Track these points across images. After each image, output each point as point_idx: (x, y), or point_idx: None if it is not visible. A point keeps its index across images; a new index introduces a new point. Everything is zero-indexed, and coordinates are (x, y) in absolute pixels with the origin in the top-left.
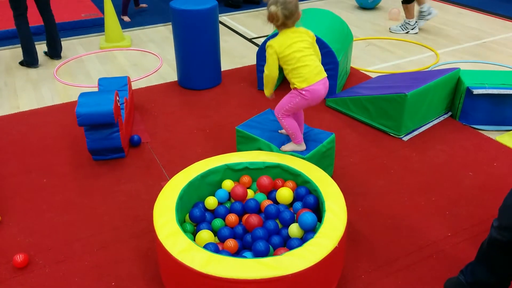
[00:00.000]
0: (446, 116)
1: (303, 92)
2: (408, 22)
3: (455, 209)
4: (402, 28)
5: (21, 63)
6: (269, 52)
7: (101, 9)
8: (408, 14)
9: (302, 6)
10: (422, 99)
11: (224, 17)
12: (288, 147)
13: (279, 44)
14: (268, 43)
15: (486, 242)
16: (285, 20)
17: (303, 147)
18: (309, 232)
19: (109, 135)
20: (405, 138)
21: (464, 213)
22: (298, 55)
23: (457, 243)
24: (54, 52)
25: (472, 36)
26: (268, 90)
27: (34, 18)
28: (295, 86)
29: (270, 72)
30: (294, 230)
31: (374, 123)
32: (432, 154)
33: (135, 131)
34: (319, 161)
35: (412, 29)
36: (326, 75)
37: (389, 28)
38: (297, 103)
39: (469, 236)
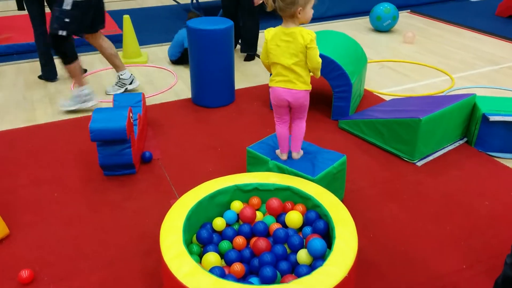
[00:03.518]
0: (461, 142)
1: (270, 91)
2: (120, 75)
3: (470, 239)
4: (119, 86)
5: (40, 77)
6: (264, 39)
7: (120, 26)
8: (77, 81)
9: (317, 28)
10: (436, 124)
11: None
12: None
13: (270, 37)
14: (266, 30)
15: (500, 279)
16: (278, 11)
17: (283, 156)
18: (318, 259)
19: (120, 151)
20: (419, 163)
21: (480, 245)
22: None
23: (472, 276)
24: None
25: (488, 61)
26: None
27: None
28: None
29: (262, 59)
30: (302, 256)
31: (387, 147)
32: (447, 181)
33: (147, 147)
34: (330, 183)
35: (130, 84)
36: (299, 87)
37: (106, 91)
38: (272, 102)
39: (485, 269)
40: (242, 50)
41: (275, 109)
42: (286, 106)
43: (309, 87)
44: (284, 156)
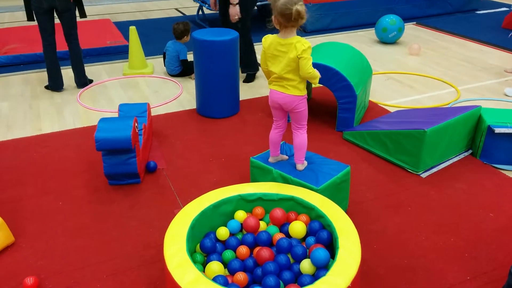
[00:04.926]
0: (466, 154)
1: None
2: None
3: (474, 251)
4: None
5: (47, 87)
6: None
7: (126, 37)
8: None
9: (322, 39)
10: (441, 136)
11: None
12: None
13: (267, 45)
14: (264, 37)
15: None
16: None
17: (270, 159)
18: (321, 269)
19: (125, 161)
20: (424, 175)
21: (484, 256)
22: (271, 65)
23: None
24: (76, 81)
25: (494, 74)
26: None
27: (63, 43)
28: None
29: (261, 66)
30: (306, 266)
31: (391, 158)
32: (451, 193)
33: (152, 157)
34: (333, 193)
35: None
36: (289, 92)
37: None
38: (269, 104)
39: (489, 281)
40: (242, 71)
41: (272, 111)
42: (279, 109)
43: (302, 93)
44: (270, 159)
